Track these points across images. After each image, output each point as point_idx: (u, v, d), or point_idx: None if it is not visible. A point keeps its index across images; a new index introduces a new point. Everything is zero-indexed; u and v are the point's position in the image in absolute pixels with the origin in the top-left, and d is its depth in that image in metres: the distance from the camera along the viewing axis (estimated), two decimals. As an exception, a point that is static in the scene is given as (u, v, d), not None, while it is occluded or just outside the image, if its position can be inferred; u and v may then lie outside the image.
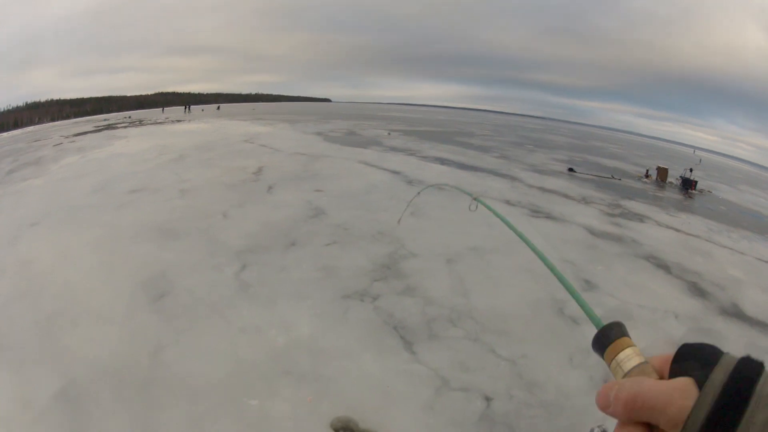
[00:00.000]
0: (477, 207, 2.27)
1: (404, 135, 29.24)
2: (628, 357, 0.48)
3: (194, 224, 8.26)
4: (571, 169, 19.67)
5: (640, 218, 11.51)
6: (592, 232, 9.56)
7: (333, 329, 5.07)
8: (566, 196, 13.52)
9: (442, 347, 4.89)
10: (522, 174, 16.86)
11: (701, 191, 18.88)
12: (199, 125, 26.89)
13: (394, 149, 20.96)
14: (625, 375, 0.47)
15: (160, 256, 6.78)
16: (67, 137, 20.20)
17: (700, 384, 0.40)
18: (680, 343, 0.45)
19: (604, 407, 0.44)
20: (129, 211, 9.14)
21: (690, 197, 17.12)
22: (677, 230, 10.77)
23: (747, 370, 0.40)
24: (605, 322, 0.54)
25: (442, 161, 18.24)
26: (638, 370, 0.46)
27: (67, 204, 9.59)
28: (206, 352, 4.41)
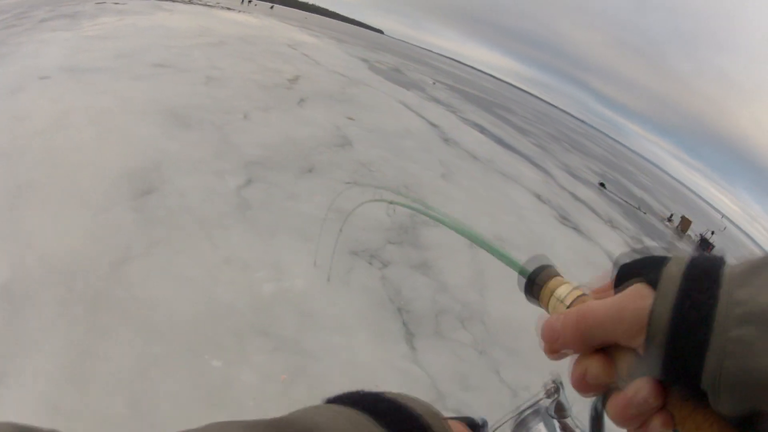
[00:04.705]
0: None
1: (448, 90, 27.71)
2: (568, 291, 0.40)
3: (210, 117, 7.29)
4: (602, 184, 18.82)
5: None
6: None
7: (331, 289, 4.28)
8: (594, 211, 12.70)
9: (446, 351, 4.15)
10: (556, 171, 15.90)
11: (714, 257, 19.14)
12: (248, 18, 25.47)
13: (436, 100, 19.63)
14: (568, 307, 0.39)
15: (162, 143, 5.87)
16: (113, -2, 19.14)
17: (654, 284, 0.31)
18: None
19: (552, 339, 0.36)
20: (146, 84, 8.12)
21: (703, 259, 17.02)
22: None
23: (707, 259, 0.32)
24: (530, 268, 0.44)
25: (481, 129, 17.07)
26: (580, 301, 0.39)
27: (85, 63, 8.51)
28: (178, 278, 3.60)
